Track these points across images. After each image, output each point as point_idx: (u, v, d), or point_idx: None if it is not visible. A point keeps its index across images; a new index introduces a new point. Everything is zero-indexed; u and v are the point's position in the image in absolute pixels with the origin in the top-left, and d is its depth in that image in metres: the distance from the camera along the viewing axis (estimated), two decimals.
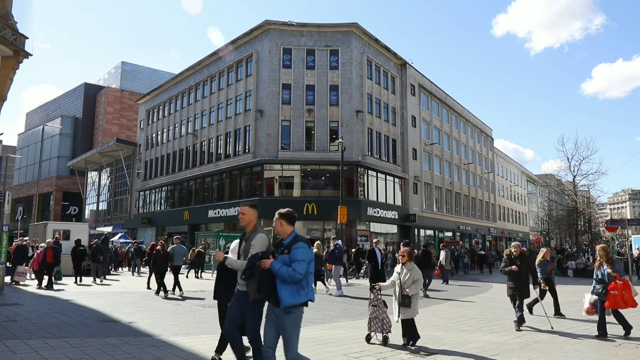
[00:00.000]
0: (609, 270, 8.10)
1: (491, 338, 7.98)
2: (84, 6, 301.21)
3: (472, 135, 51.52)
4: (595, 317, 8.44)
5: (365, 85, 33.44)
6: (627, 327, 8.15)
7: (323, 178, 31.97)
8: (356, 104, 32.37)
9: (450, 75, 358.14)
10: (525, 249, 9.87)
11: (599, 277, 8.28)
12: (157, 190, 44.05)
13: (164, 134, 44.15)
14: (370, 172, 32.85)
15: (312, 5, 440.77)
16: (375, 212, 32.41)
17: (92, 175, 59.34)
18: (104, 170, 56.33)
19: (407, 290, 6.81)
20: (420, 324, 9.42)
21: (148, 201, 45.47)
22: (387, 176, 34.89)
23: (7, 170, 56.69)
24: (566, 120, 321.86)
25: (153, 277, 16.40)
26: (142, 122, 49.04)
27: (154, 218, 43.25)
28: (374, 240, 18.24)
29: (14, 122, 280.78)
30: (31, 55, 14.50)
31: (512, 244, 9.45)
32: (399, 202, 36.21)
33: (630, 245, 24.34)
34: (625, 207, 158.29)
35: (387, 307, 6.87)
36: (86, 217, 58.65)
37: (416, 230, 37.97)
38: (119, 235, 39.82)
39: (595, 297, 8.28)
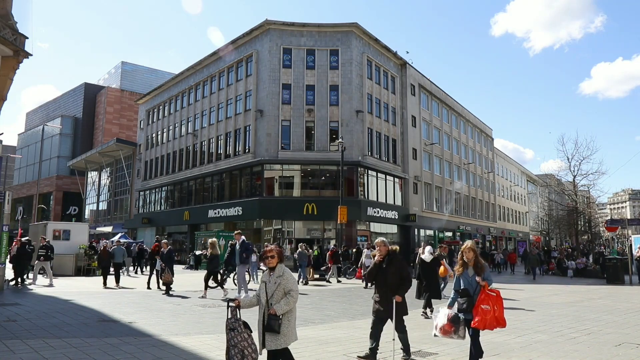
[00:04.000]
0: (478, 279, 5.96)
1: (491, 338, 7.97)
2: (83, 5, 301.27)
3: (472, 135, 51.53)
4: (454, 339, 6.22)
5: (365, 85, 33.44)
6: (479, 354, 6.05)
7: (323, 178, 31.97)
8: (356, 104, 32.37)
9: (450, 75, 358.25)
10: (395, 247, 6.93)
11: (463, 286, 6.10)
12: (157, 190, 44.05)
13: (164, 134, 44.15)
14: (370, 172, 32.84)
15: (312, 5, 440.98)
16: (375, 212, 32.40)
17: (92, 175, 59.34)
18: (104, 170, 56.34)
19: (274, 307, 4.63)
20: (420, 324, 9.42)
21: (148, 201, 45.48)
22: (387, 176, 34.89)
23: (7, 170, 56.74)
24: (566, 120, 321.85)
25: (154, 277, 16.51)
26: (142, 122, 49.06)
27: (154, 218, 43.26)
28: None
29: (14, 122, 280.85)
30: (31, 55, 14.49)
31: (376, 241, 6.83)
32: (399, 202, 36.21)
33: (630, 245, 24.31)
34: (625, 207, 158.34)
35: (251, 331, 4.82)
36: (86, 217, 58.67)
37: (416, 230, 37.96)
38: (119, 235, 39.82)
39: (457, 312, 6.10)
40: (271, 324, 4.61)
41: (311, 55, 32.81)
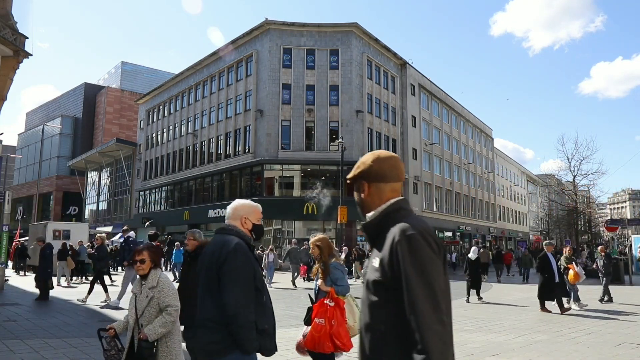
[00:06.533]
0: (319, 282, 4.67)
1: (491, 338, 7.97)
2: (83, 5, 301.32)
3: (472, 135, 51.52)
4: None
5: (365, 85, 33.44)
6: None
7: (323, 178, 31.97)
8: (356, 104, 32.37)
9: (450, 75, 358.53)
10: (207, 240, 5.14)
11: (315, 293, 4.81)
12: (157, 190, 44.05)
13: (164, 134, 44.15)
14: None
15: (312, 5, 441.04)
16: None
17: (92, 175, 59.33)
18: (104, 170, 56.33)
19: (144, 330, 3.45)
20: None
21: (148, 201, 45.47)
22: None
23: (7, 170, 56.66)
24: (566, 120, 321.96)
25: None
26: (142, 122, 49.06)
27: (154, 218, 43.23)
28: (545, 243, 12.59)
29: (14, 122, 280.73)
30: (31, 55, 14.50)
31: (187, 232, 5.39)
32: None
33: (630, 245, 24.30)
34: (625, 207, 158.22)
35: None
36: (86, 217, 58.64)
37: None
38: (119, 235, 39.82)
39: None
40: (143, 353, 3.39)
41: (311, 55, 32.81)
